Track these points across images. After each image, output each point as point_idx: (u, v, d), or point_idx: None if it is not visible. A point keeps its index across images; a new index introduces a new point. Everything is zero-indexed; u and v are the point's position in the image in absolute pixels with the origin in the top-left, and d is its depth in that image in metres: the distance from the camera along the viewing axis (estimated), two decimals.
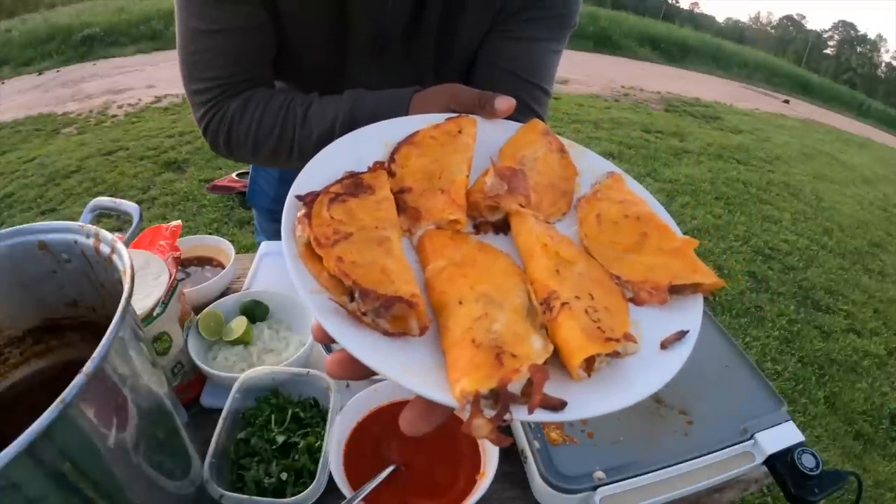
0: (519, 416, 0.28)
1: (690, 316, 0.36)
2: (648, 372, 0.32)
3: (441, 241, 0.38)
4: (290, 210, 0.36)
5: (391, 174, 0.42)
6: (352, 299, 0.31)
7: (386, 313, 0.31)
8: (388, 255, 0.35)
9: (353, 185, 0.39)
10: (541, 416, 0.28)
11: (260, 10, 0.68)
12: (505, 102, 0.50)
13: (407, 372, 0.29)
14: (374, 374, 0.30)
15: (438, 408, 0.30)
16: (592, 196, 0.45)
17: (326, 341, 0.32)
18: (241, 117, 0.70)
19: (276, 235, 1.19)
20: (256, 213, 1.27)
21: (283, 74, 0.82)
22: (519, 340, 0.31)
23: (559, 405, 0.28)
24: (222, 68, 0.70)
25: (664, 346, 0.34)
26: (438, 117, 0.48)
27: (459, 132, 0.47)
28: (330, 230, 0.34)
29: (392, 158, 0.43)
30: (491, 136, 0.48)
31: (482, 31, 0.76)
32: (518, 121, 0.52)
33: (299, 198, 0.36)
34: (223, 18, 0.66)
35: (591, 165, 0.48)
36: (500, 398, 0.28)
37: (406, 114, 0.60)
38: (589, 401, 0.30)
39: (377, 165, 0.41)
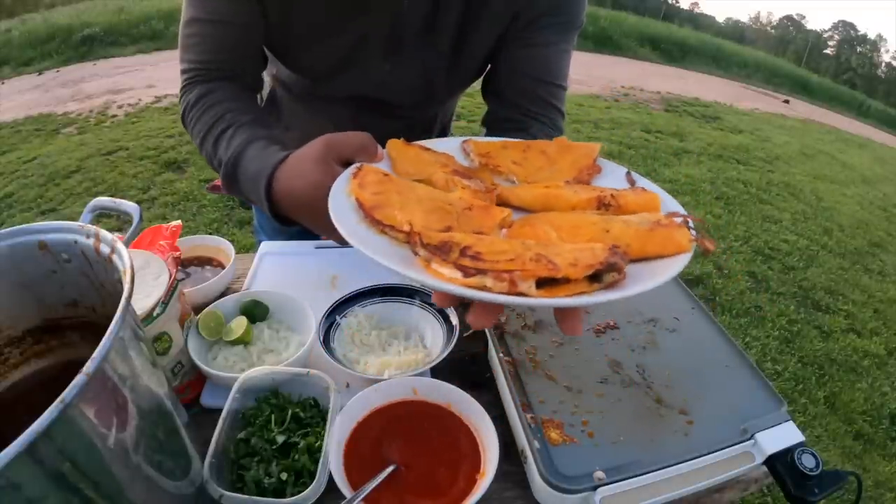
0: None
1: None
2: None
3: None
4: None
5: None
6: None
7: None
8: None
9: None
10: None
11: (255, 8, 0.73)
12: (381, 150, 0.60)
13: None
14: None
15: (495, 305, 0.41)
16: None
17: (451, 304, 0.46)
18: (192, 107, 0.78)
19: (275, 234, 1.19)
20: (256, 211, 1.27)
21: (296, 69, 0.84)
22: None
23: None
24: (203, 54, 0.78)
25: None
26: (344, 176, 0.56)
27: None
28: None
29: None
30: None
31: (495, 35, 0.81)
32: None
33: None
34: (215, 10, 0.73)
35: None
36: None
37: (272, 168, 0.65)
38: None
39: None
